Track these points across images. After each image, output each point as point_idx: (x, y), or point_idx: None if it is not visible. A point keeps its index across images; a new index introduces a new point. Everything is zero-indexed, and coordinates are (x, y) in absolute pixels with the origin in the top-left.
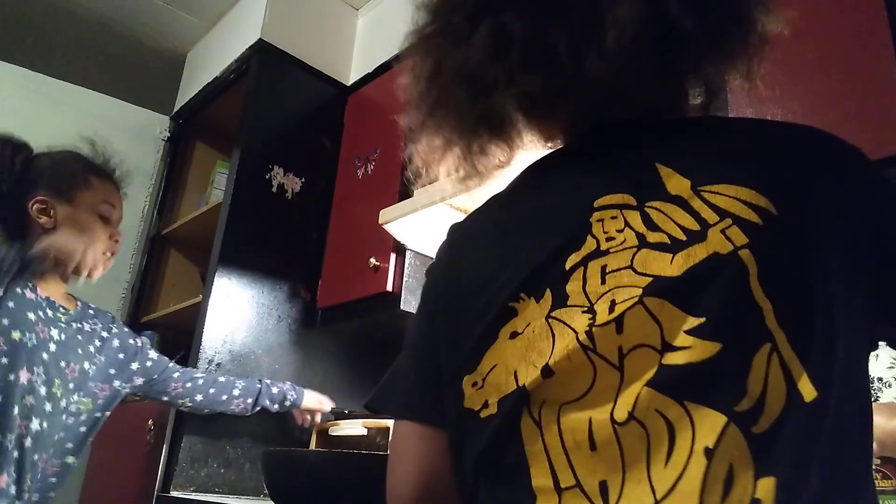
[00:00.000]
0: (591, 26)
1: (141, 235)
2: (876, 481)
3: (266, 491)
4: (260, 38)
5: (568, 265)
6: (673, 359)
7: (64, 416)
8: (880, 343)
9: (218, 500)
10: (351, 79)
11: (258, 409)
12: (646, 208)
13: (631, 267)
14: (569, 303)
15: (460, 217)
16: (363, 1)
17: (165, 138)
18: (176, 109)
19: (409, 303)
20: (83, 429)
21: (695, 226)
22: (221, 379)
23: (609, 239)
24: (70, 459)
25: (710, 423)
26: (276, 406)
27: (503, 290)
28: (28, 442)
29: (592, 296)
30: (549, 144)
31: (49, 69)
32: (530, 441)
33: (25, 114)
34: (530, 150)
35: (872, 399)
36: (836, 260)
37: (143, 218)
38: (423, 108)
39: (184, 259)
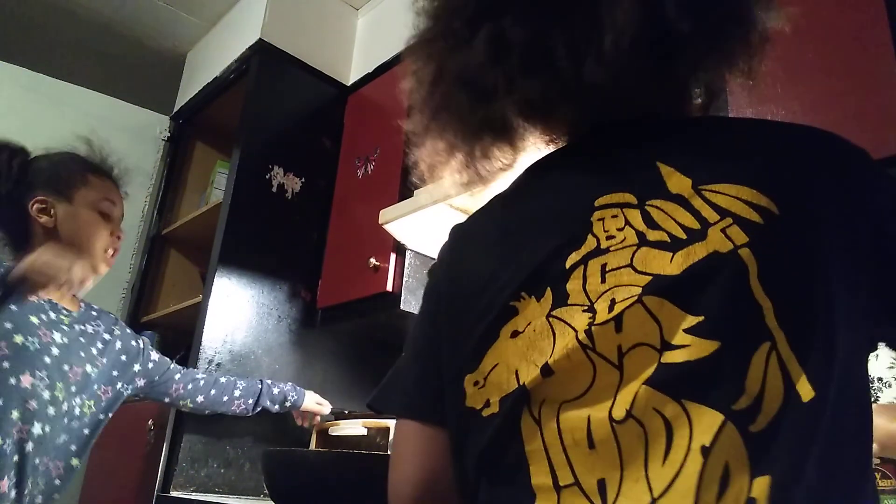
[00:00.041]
0: (589, 30)
1: (141, 235)
2: (876, 481)
3: (266, 491)
4: (260, 38)
5: (568, 264)
6: (671, 357)
7: (66, 420)
8: (880, 343)
9: (218, 500)
10: (351, 79)
11: (259, 409)
12: (646, 207)
13: (631, 265)
14: (569, 301)
15: (460, 217)
16: (363, 1)
17: (165, 138)
18: (176, 109)
19: (409, 303)
20: (86, 431)
21: (695, 224)
22: (222, 380)
23: (609, 237)
24: (74, 462)
25: (707, 422)
26: (277, 407)
27: (504, 289)
28: (29, 446)
29: (593, 295)
30: (550, 145)
31: (49, 69)
32: (530, 440)
33: (25, 114)
34: (533, 151)
35: (872, 399)
36: (837, 260)
37: (143, 218)
38: (427, 112)
39: (184, 259)
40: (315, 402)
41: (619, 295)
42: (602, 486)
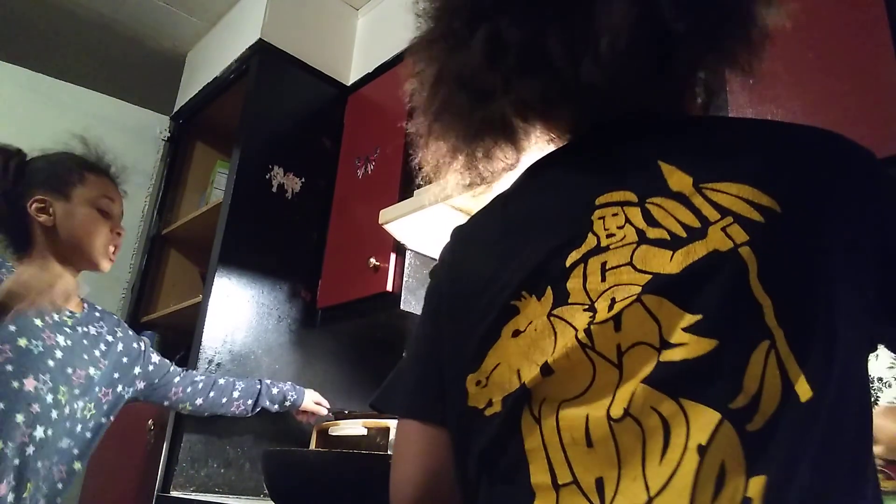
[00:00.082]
0: (586, 31)
1: (141, 235)
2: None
3: (266, 491)
4: (260, 38)
5: (568, 262)
6: (670, 356)
7: (69, 423)
8: (879, 344)
9: (218, 500)
10: (351, 79)
11: (258, 409)
12: (647, 204)
13: (630, 263)
14: (570, 300)
15: (461, 217)
16: (363, 1)
17: (165, 138)
18: (176, 109)
19: (409, 303)
20: (89, 435)
21: (695, 223)
22: (221, 381)
23: (609, 235)
24: (76, 465)
25: (704, 420)
26: (277, 406)
27: (505, 289)
28: (30, 449)
29: (593, 293)
30: (551, 144)
31: (49, 69)
32: (530, 438)
33: (25, 114)
34: (535, 150)
35: (872, 399)
36: (838, 259)
37: (143, 218)
38: (429, 114)
39: (184, 259)
40: (314, 401)
41: (620, 294)
42: (600, 484)
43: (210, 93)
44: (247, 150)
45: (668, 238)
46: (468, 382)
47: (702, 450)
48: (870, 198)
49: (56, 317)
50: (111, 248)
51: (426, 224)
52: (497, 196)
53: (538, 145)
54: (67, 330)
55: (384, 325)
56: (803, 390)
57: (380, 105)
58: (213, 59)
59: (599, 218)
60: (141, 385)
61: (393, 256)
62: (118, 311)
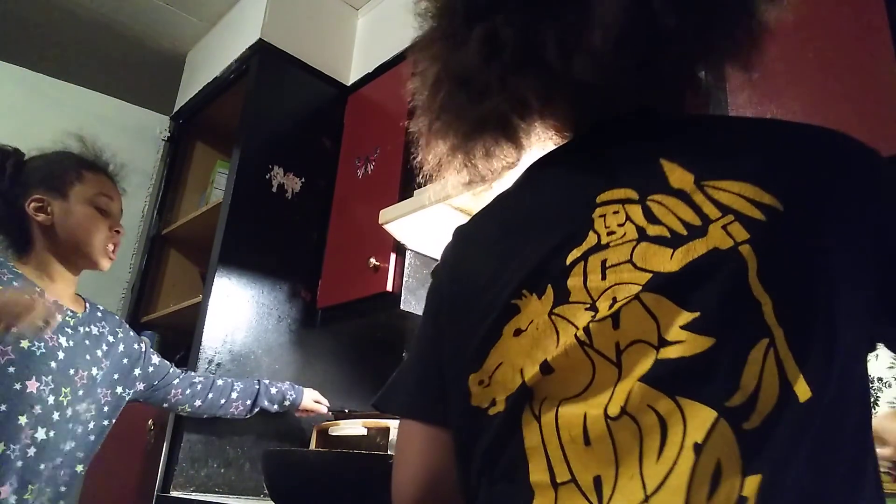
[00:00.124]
0: (578, 27)
1: (141, 235)
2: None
3: (266, 491)
4: (260, 38)
5: (569, 260)
6: (667, 353)
7: (71, 424)
8: (878, 343)
9: (218, 500)
10: (351, 79)
11: (257, 409)
12: (647, 202)
13: (630, 261)
14: (571, 299)
15: (461, 217)
16: (363, 1)
17: (165, 138)
18: (176, 109)
19: (409, 303)
20: (92, 437)
21: (696, 221)
22: (219, 382)
23: (610, 233)
24: (79, 468)
25: (700, 419)
26: (276, 406)
27: (506, 288)
28: (32, 451)
29: (594, 292)
30: (551, 142)
31: (49, 69)
32: (530, 437)
33: (25, 114)
34: (536, 149)
35: (872, 399)
36: (839, 259)
37: (143, 218)
38: (430, 113)
39: (184, 259)
40: (313, 400)
41: (621, 293)
42: (598, 482)
43: (210, 93)
44: (247, 150)
45: (669, 235)
46: (470, 382)
47: (698, 448)
48: (870, 198)
49: (58, 317)
50: (110, 247)
51: (426, 224)
52: (498, 195)
53: (539, 143)
54: (69, 330)
55: (384, 325)
56: (802, 391)
57: (380, 105)
58: (213, 59)
59: (600, 216)
60: (141, 387)
61: (393, 256)
62: (118, 311)
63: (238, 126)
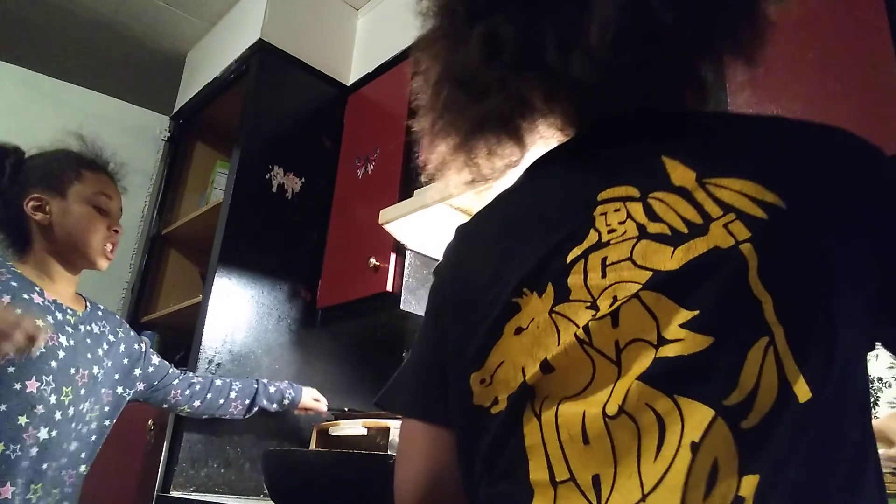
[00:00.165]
0: (576, 25)
1: (141, 235)
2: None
3: (266, 491)
4: (260, 38)
5: (569, 258)
6: (665, 352)
7: (74, 424)
8: (878, 343)
9: (218, 500)
10: (351, 79)
11: (256, 408)
12: (648, 199)
13: (631, 259)
14: (571, 297)
15: (461, 217)
16: (363, 1)
17: (165, 138)
18: (176, 109)
19: (409, 303)
20: (94, 437)
21: (697, 219)
22: (218, 382)
23: (611, 231)
24: (83, 468)
25: (698, 417)
26: (275, 405)
27: (507, 286)
28: (34, 451)
29: (594, 290)
30: (553, 141)
31: (49, 69)
32: (530, 435)
33: (25, 114)
34: (538, 147)
35: (872, 399)
36: (839, 258)
37: (143, 218)
38: (433, 112)
39: (184, 259)
40: (312, 398)
41: (621, 292)
42: (596, 481)
43: (210, 93)
44: (247, 150)
45: (669, 233)
46: (472, 381)
47: (694, 447)
48: (870, 198)
49: (59, 315)
50: (108, 246)
51: (426, 224)
52: (499, 194)
53: (542, 142)
54: (70, 329)
55: (384, 325)
56: (802, 391)
57: (380, 105)
58: (213, 59)
59: (601, 214)
60: (141, 387)
61: (393, 256)
62: (118, 311)
63: (238, 126)
